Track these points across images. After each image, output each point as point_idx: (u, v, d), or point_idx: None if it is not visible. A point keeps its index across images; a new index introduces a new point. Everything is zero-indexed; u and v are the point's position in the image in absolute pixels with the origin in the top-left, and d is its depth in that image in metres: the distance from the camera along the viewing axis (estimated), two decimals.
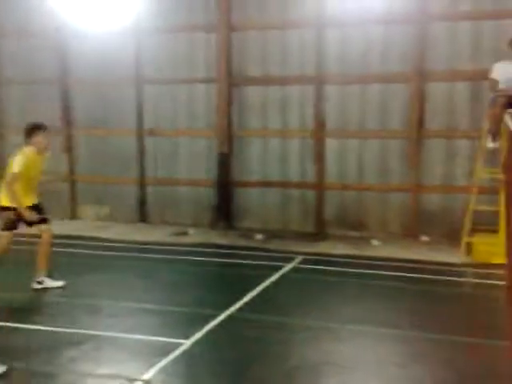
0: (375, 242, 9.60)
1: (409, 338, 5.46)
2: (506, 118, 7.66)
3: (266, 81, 10.49)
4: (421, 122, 9.72)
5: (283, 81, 10.39)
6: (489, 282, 7.28)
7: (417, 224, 9.89)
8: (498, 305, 5.62)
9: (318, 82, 10.18)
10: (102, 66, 11.16)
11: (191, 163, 11.13)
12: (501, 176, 8.13)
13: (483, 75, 8.67)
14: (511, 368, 4.22)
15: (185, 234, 10.38)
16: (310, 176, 10.44)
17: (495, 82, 8.18)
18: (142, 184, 11.41)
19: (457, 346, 5.23)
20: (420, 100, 9.67)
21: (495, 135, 8.15)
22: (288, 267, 8.04)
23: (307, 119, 10.37)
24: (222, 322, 5.80)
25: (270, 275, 7.51)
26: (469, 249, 8.63)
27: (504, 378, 4.44)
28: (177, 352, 5.00)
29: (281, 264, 8.12)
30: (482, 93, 9.12)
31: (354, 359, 4.97)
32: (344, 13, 9.87)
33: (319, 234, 10.34)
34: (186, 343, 5.20)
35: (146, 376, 4.53)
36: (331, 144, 10.29)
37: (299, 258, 8.53)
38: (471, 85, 9.39)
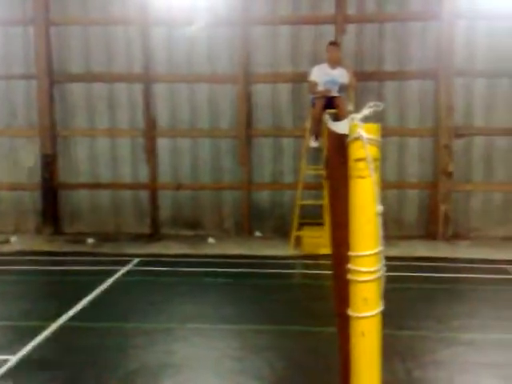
0: (211, 240, 9.72)
1: (246, 331, 5.59)
2: (325, 118, 8.19)
3: (90, 78, 10.09)
4: (249, 122, 10.02)
5: (109, 78, 10.07)
6: (317, 272, 7.73)
7: (250, 220, 10.20)
8: (327, 293, 5.98)
9: (147, 80, 10.03)
10: None
11: (11, 165, 10.34)
12: (323, 172, 8.70)
13: (303, 77, 9.18)
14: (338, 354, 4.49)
15: (6, 242, 9.61)
16: (143, 176, 10.26)
17: (314, 84, 8.69)
18: None
19: (291, 334, 5.47)
20: (247, 101, 9.97)
21: (317, 134, 8.66)
22: (122, 271, 7.81)
23: (137, 118, 10.18)
24: (52, 333, 5.45)
25: (103, 280, 7.23)
26: (298, 242, 9.08)
27: (334, 365, 4.71)
28: (2, 370, 4.60)
29: (115, 268, 7.87)
30: (303, 94, 9.65)
31: (193, 358, 4.97)
32: (169, 12, 9.84)
33: (154, 234, 10.21)
34: (12, 359, 4.80)
35: None
36: (163, 143, 10.21)
37: (134, 261, 8.34)
38: (292, 86, 9.89)
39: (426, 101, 9.65)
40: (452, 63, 9.45)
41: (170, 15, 9.84)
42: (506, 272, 7.69)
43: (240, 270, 7.89)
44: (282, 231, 9.80)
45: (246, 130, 10.01)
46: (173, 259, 8.51)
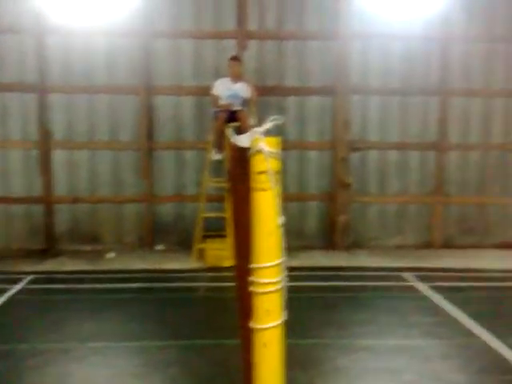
0: (110, 255, 9.44)
1: (150, 347, 5.46)
2: (228, 131, 8.26)
3: None
4: (151, 134, 9.88)
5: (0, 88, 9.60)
6: (220, 284, 7.71)
7: (152, 234, 10.02)
8: (231, 305, 5.98)
9: (41, 90, 9.63)
10: None
11: None
12: (226, 185, 8.74)
13: (206, 91, 9.20)
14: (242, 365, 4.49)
15: None
16: (36, 190, 9.81)
17: (216, 98, 8.75)
18: None
19: (196, 349, 5.41)
20: (148, 113, 9.83)
21: (220, 147, 8.70)
22: (15, 289, 7.39)
23: (30, 130, 9.73)
24: None
25: None
26: (201, 255, 9.04)
27: (240, 377, 4.71)
28: None
29: (6, 287, 7.43)
30: (205, 107, 9.66)
31: (91, 378, 4.78)
32: (66, 21, 9.53)
33: (50, 250, 9.76)
34: None
35: None
36: (59, 156, 9.82)
37: (28, 278, 7.92)
38: (195, 99, 9.88)
39: (324, 115, 9.98)
40: (348, 80, 9.85)
41: (67, 24, 9.53)
42: (402, 279, 8.05)
43: (142, 284, 7.72)
44: (185, 244, 9.72)
45: (148, 142, 9.86)
46: (70, 276, 8.18)
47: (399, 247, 10.10)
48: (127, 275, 8.20)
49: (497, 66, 10.00)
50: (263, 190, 2.28)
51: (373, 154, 10.10)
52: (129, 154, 9.92)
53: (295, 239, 9.70)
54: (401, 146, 10.09)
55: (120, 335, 5.76)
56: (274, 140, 2.31)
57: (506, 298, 7.30)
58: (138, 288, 7.58)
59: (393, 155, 10.12)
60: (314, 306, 6.72)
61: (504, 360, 5.20)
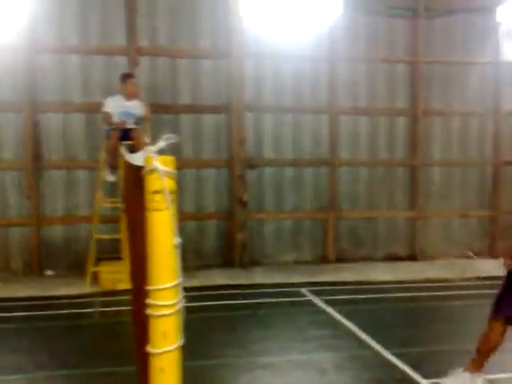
0: None
1: (38, 379, 5.13)
2: (121, 149, 8.04)
3: None
4: (37, 153, 9.42)
5: None
6: (116, 308, 7.43)
7: (40, 258, 9.51)
8: (126, 330, 5.77)
9: None
10: None
11: None
12: (121, 205, 8.49)
13: (96, 108, 8.93)
14: None
15: None
16: None
17: (108, 115, 8.48)
18: None
19: (88, 378, 5.15)
20: (34, 130, 9.37)
21: (113, 167, 8.43)
22: None
23: None
24: None
25: None
26: (96, 278, 8.69)
27: None
28: None
29: None
30: (96, 125, 9.37)
31: None
32: None
33: None
34: None
35: None
36: None
37: None
38: (85, 117, 9.56)
39: (220, 133, 10.02)
40: (242, 98, 9.97)
41: None
42: (300, 294, 8.19)
43: (31, 313, 7.26)
44: (77, 268, 9.29)
45: (34, 161, 9.38)
46: None
47: (296, 262, 10.30)
48: (12, 303, 7.69)
49: (379, 86, 10.55)
50: (158, 209, 2.22)
51: (269, 171, 10.26)
52: (14, 174, 9.39)
53: (193, 258, 9.60)
54: (295, 163, 10.34)
55: (4, 368, 5.36)
56: (168, 158, 2.26)
57: (394, 308, 7.63)
58: (25, 317, 7.12)
59: (288, 172, 10.34)
60: (214, 326, 6.65)
61: (393, 368, 5.40)
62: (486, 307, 7.57)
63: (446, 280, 9.03)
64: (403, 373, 5.28)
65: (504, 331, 4.86)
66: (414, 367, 5.34)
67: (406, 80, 10.60)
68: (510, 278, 4.93)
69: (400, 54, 10.58)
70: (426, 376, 5.14)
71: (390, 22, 10.46)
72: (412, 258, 10.58)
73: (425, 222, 10.71)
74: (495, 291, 8.57)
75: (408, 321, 7.03)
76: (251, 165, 10.13)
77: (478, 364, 4.85)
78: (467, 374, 4.84)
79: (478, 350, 4.87)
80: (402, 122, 10.67)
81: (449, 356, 5.74)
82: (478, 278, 9.03)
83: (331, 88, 10.31)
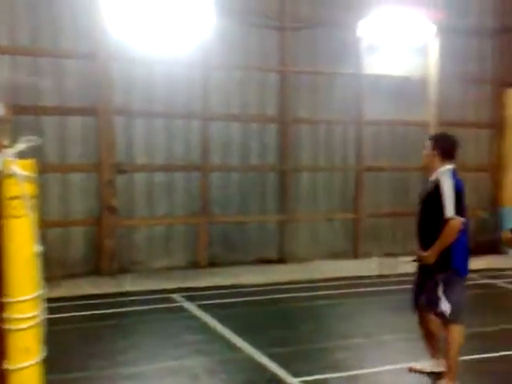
0: None
1: None
2: None
3: None
4: None
5: None
6: None
7: None
8: None
9: None
10: None
11: None
12: None
13: None
14: None
15: None
16: None
17: None
18: None
19: None
20: None
21: None
22: None
23: None
24: None
25: None
26: None
27: None
28: None
29: None
30: None
31: None
32: None
33: None
34: None
35: None
36: None
37: None
38: None
39: (88, 137, 9.66)
40: (111, 102, 9.71)
41: None
42: (172, 300, 8.10)
43: None
44: None
45: None
46: None
47: (168, 269, 10.19)
48: None
49: (252, 94, 10.78)
50: (16, 216, 2.09)
51: (139, 176, 10.07)
52: None
53: (58, 267, 9.13)
54: (167, 168, 10.24)
55: None
56: (28, 162, 2.14)
57: (265, 310, 7.81)
58: None
59: (159, 177, 10.22)
60: (78, 338, 6.38)
61: (265, 370, 5.52)
62: (347, 305, 8.04)
63: (311, 281, 9.38)
64: (274, 373, 5.41)
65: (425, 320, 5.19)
66: (284, 367, 5.50)
67: (277, 88, 10.92)
68: (425, 275, 5.09)
69: (271, 64, 10.88)
70: (295, 375, 5.31)
71: (261, 32, 10.73)
72: (282, 260, 10.89)
73: (293, 225, 11.08)
74: (355, 290, 9.12)
75: (278, 322, 7.22)
76: (121, 170, 9.88)
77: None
78: None
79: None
80: (272, 129, 10.97)
81: (316, 354, 5.98)
82: (341, 278, 9.49)
83: (204, 94, 10.35)
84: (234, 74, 10.61)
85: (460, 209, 4.80)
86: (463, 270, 4.97)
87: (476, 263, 10.56)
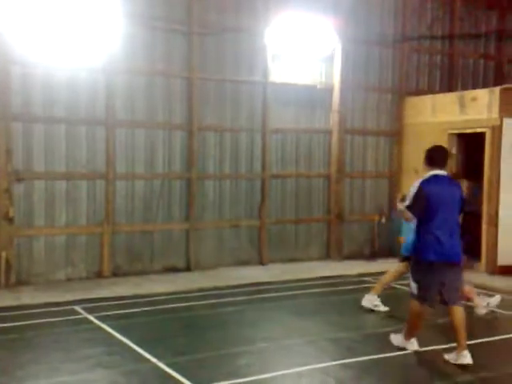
0: None
1: None
2: None
3: None
4: None
5: None
6: None
7: None
8: None
9: None
10: None
11: None
12: None
13: None
14: None
15: None
16: None
17: None
18: None
19: None
20: None
21: None
22: None
23: None
24: None
25: None
26: None
27: None
28: None
29: None
30: None
31: None
32: None
33: None
34: None
35: None
36: None
37: None
38: None
39: None
40: (9, 107, 9.29)
41: None
42: (74, 312, 7.84)
43: None
44: None
45: None
46: None
47: (70, 280, 9.85)
48: None
49: (158, 100, 10.66)
50: None
51: (39, 185, 9.67)
52: None
53: None
54: (69, 176, 9.91)
55: None
56: None
57: (169, 319, 7.74)
58: None
59: (61, 185, 9.87)
60: None
61: (168, 379, 5.48)
62: (252, 311, 8.15)
63: (216, 288, 9.40)
64: (178, 382, 5.39)
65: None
66: (187, 375, 5.50)
67: (184, 95, 10.86)
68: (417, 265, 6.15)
69: (177, 69, 10.80)
70: (198, 383, 5.30)
71: (167, 37, 10.63)
72: (188, 268, 10.82)
73: (199, 233, 11.03)
74: (260, 296, 9.26)
75: (182, 330, 7.17)
76: (19, 178, 9.45)
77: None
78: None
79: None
80: (179, 136, 10.88)
81: (219, 361, 6.02)
82: (246, 285, 9.57)
83: (108, 100, 10.12)
84: (138, 80, 10.45)
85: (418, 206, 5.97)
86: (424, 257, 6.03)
87: (374, 266, 11.13)
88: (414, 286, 6.07)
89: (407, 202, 6.04)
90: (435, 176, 6.04)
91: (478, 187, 11.32)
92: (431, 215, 5.91)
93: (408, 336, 6.31)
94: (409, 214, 6.05)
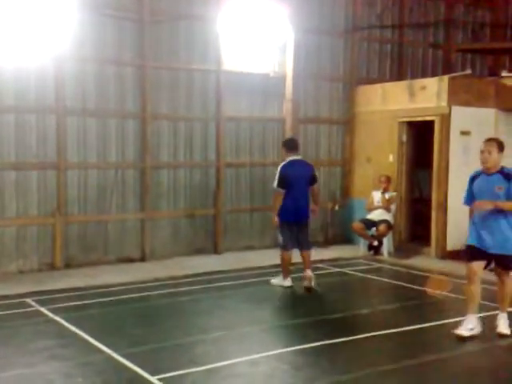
0: None
1: None
2: None
3: None
4: None
5: None
6: None
7: None
8: None
9: None
10: None
11: None
12: None
13: None
14: None
15: None
16: None
17: None
18: None
19: None
20: None
21: None
22: None
23: None
24: None
25: None
26: None
27: None
28: None
29: None
30: None
31: None
32: None
33: None
34: None
35: None
36: None
37: None
38: None
39: None
40: None
41: None
42: (26, 305, 7.70)
43: None
44: None
45: None
46: None
47: (21, 272, 9.66)
48: None
49: (109, 88, 10.49)
50: None
51: None
52: None
53: None
54: (18, 166, 9.68)
55: None
56: None
57: (124, 310, 7.70)
58: None
59: (10, 176, 9.63)
60: None
61: (124, 370, 5.47)
62: (208, 300, 8.18)
63: (172, 278, 9.39)
64: (132, 373, 5.38)
65: None
66: (143, 366, 5.49)
67: (136, 83, 10.72)
68: None
69: (129, 57, 10.65)
70: (153, 373, 5.33)
71: (119, 24, 10.45)
72: (143, 259, 10.75)
73: (154, 223, 10.96)
74: (216, 284, 9.31)
75: (137, 321, 7.16)
76: None
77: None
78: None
79: None
80: (131, 125, 10.75)
81: (175, 350, 6.04)
82: (202, 274, 9.59)
83: (58, 88, 9.89)
84: (89, 68, 10.24)
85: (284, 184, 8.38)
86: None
87: (327, 253, 11.32)
88: (280, 239, 8.46)
89: (275, 183, 8.41)
90: (291, 161, 8.47)
91: (428, 174, 11.65)
92: (289, 189, 8.29)
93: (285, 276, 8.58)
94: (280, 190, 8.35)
